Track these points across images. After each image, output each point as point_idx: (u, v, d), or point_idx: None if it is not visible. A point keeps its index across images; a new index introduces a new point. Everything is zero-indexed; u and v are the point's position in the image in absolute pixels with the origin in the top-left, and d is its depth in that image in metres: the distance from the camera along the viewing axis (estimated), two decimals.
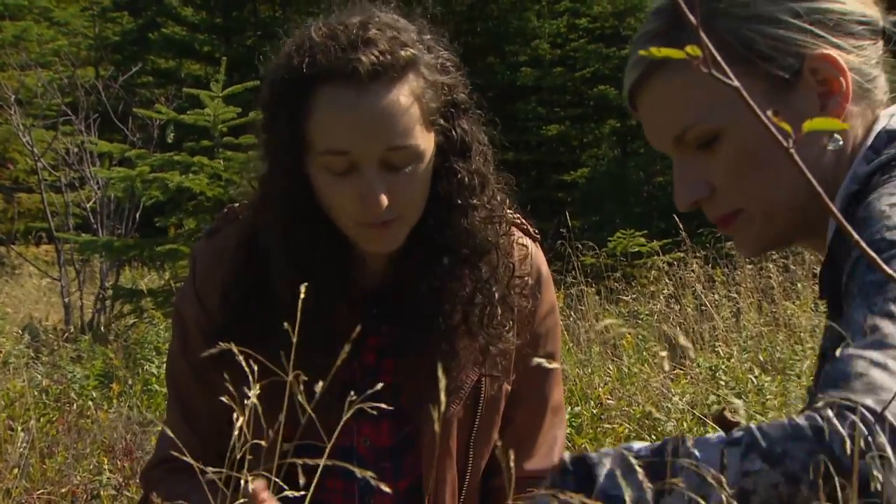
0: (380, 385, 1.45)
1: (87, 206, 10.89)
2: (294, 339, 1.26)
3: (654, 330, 6.53)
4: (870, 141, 1.40)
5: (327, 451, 1.22)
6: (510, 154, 16.07)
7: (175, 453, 1.33)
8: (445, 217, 1.86)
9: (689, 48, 0.88)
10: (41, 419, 5.10)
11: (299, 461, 1.17)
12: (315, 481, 1.20)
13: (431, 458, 1.93)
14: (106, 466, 4.39)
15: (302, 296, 1.33)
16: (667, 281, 7.86)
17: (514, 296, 1.94)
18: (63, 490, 4.21)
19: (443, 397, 1.13)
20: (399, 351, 1.90)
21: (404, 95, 1.74)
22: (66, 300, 10.39)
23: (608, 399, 4.77)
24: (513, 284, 1.94)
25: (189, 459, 1.29)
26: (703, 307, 6.89)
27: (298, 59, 1.74)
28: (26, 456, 4.48)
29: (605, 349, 6.14)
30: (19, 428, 4.92)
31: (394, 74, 1.73)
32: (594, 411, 4.61)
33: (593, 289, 8.10)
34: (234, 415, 1.20)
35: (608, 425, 4.48)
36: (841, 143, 1.39)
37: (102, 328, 9.52)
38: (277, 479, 1.23)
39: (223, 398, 1.24)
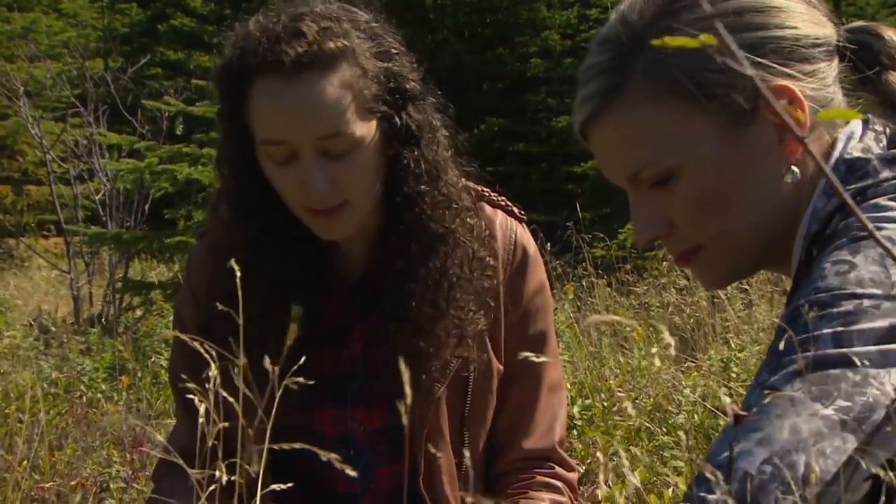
0: None
1: (97, 198, 10.87)
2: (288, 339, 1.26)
3: (666, 322, 6.50)
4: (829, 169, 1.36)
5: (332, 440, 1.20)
6: (520, 145, 16.04)
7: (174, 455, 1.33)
8: (399, 204, 1.89)
9: (703, 36, 0.87)
10: (50, 411, 5.10)
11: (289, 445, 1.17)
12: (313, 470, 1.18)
13: (419, 442, 1.94)
14: (115, 459, 4.39)
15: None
16: (679, 273, 7.83)
17: (476, 278, 1.95)
18: (72, 482, 4.20)
19: (407, 389, 1.13)
20: (384, 337, 1.92)
21: (333, 85, 1.76)
22: (76, 293, 10.39)
23: (619, 391, 4.75)
24: (473, 267, 1.94)
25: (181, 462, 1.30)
26: (715, 299, 6.85)
27: (234, 52, 1.79)
28: (35, 448, 4.47)
29: (616, 341, 6.12)
30: (28, 420, 4.91)
31: (322, 65, 1.75)
32: (605, 404, 4.58)
33: (604, 280, 8.07)
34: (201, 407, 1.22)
35: (619, 418, 4.46)
36: (798, 175, 1.36)
37: (111, 320, 9.52)
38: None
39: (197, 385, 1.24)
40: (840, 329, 1.15)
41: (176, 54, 22.17)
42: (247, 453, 1.17)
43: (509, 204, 2.09)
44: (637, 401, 4.65)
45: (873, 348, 1.13)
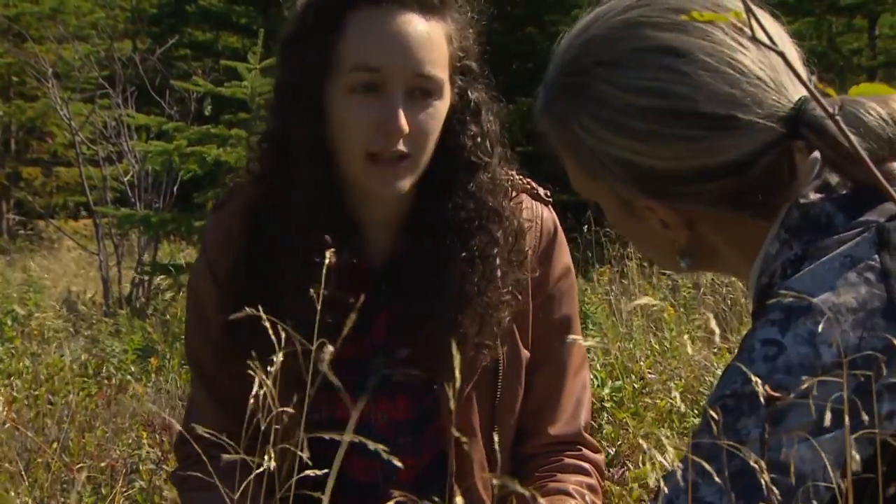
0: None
1: (125, 179, 10.89)
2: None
3: (699, 303, 6.47)
4: (781, 215, 1.33)
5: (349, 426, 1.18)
6: None
7: (204, 432, 1.30)
8: (453, 176, 1.87)
9: (732, 13, 0.84)
10: (80, 393, 5.10)
11: (325, 434, 1.14)
12: (340, 457, 1.16)
13: (449, 436, 1.92)
14: (145, 441, 4.38)
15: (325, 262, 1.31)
16: None
17: (514, 268, 1.92)
18: (102, 464, 4.20)
19: (457, 374, 1.10)
20: (409, 325, 1.89)
21: (440, 29, 1.79)
22: (105, 274, 10.42)
23: (650, 373, 4.71)
24: (513, 257, 1.92)
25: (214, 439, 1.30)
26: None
27: None
28: (66, 430, 4.48)
29: (648, 322, 6.08)
30: (59, 402, 4.92)
31: (433, 8, 1.78)
32: (636, 385, 4.55)
33: (634, 262, 8.02)
34: (256, 386, 1.18)
35: (649, 399, 4.42)
36: (690, 262, 1.41)
37: (141, 302, 9.54)
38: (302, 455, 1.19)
39: (249, 370, 1.20)
40: (767, 428, 1.15)
41: (204, 35, 22.25)
42: (293, 440, 1.15)
43: (535, 187, 2.06)
44: (668, 382, 4.62)
45: (801, 446, 1.14)
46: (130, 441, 4.50)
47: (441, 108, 1.80)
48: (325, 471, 1.19)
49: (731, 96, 1.27)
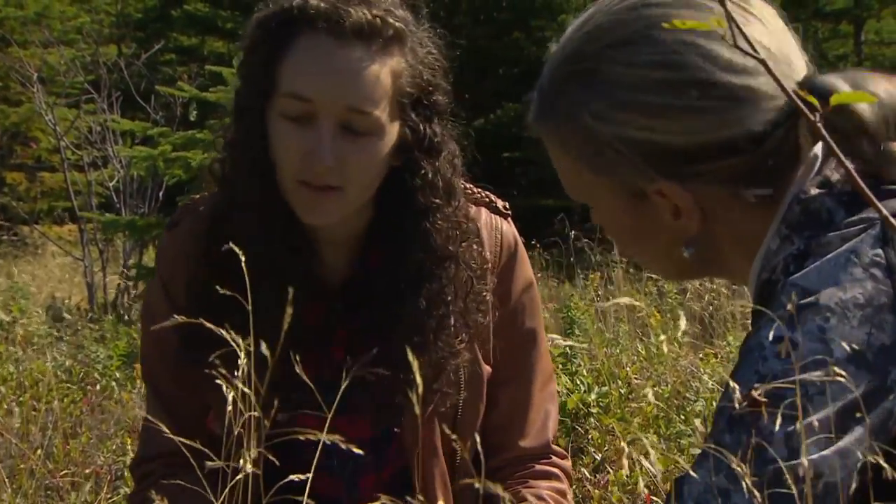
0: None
1: (110, 185, 10.87)
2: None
3: (684, 308, 6.47)
4: (782, 210, 1.32)
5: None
6: None
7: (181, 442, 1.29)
8: (407, 213, 1.84)
9: (712, 19, 0.84)
10: (64, 400, 5.08)
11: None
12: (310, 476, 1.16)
13: (415, 455, 1.92)
14: (129, 447, 4.36)
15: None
16: None
17: (471, 312, 1.91)
18: (87, 471, 4.19)
19: (417, 410, 1.14)
20: (366, 345, 1.86)
21: (382, 64, 1.73)
22: (90, 280, 10.39)
23: (636, 378, 4.71)
24: (469, 300, 1.90)
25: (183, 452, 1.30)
26: (734, 285, 6.81)
27: (294, 1, 1.74)
28: (50, 436, 4.46)
29: (634, 328, 6.08)
30: (43, 408, 4.90)
31: (379, 40, 1.72)
32: (622, 391, 4.55)
33: (621, 268, 8.02)
34: (228, 396, 1.16)
35: (636, 405, 4.42)
36: (689, 253, 1.38)
37: (126, 308, 9.51)
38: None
39: (217, 381, 1.19)
40: (790, 429, 1.13)
41: (190, 40, 22.19)
42: (250, 446, 1.14)
43: (493, 199, 2.05)
44: (655, 388, 4.62)
45: (829, 454, 1.13)
46: (115, 447, 4.48)
47: (378, 144, 1.75)
48: (293, 477, 1.19)
49: (745, 67, 1.27)
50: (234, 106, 1.87)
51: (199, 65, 17.17)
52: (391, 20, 1.73)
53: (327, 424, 1.23)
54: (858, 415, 1.13)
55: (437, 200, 1.84)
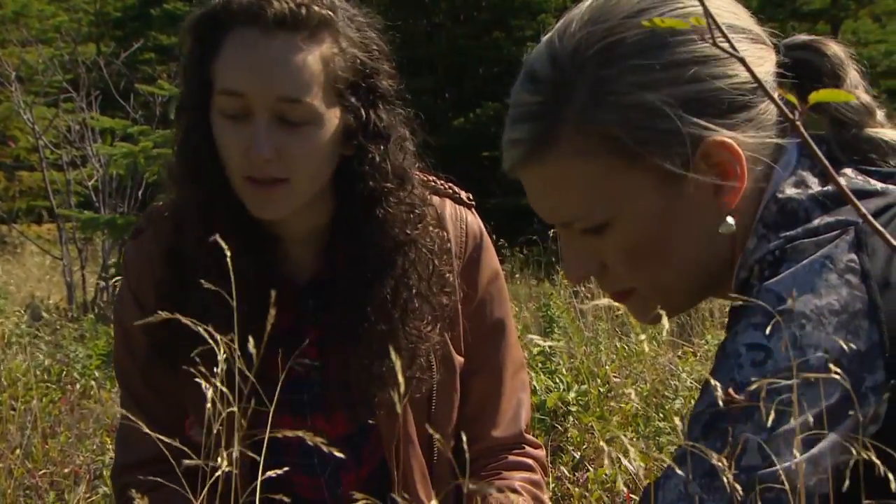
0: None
1: (89, 183, 10.82)
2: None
3: None
4: (760, 210, 1.32)
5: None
6: None
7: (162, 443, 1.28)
8: (359, 203, 1.83)
9: (693, 19, 0.84)
10: (43, 399, 5.06)
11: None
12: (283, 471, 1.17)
13: (392, 447, 1.92)
14: (109, 446, 4.35)
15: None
16: None
17: (435, 294, 1.91)
18: (66, 470, 4.17)
19: (398, 409, 1.12)
20: (339, 343, 1.88)
21: (309, 52, 1.72)
22: (69, 279, 10.35)
23: (615, 377, 4.72)
24: (433, 283, 1.90)
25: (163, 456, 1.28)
26: None
27: (218, 1, 1.75)
28: (28, 436, 4.44)
29: (613, 326, 6.10)
30: (21, 408, 4.88)
31: (302, 28, 1.72)
32: (601, 389, 4.56)
33: None
34: (208, 393, 1.14)
35: (615, 403, 4.43)
36: (734, 227, 1.31)
37: (105, 307, 9.48)
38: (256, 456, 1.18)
39: (196, 379, 1.18)
40: (764, 437, 1.14)
41: (169, 38, 22.09)
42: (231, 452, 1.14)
43: (456, 191, 2.05)
44: (634, 386, 4.63)
45: (801, 461, 1.13)
46: (94, 447, 4.46)
47: (317, 132, 1.74)
48: (271, 473, 1.19)
49: (751, 20, 1.36)
50: (176, 110, 1.88)
51: (179, 63, 17.14)
52: (316, 8, 1.73)
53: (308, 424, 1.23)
54: (832, 422, 1.14)
55: (388, 185, 1.83)
